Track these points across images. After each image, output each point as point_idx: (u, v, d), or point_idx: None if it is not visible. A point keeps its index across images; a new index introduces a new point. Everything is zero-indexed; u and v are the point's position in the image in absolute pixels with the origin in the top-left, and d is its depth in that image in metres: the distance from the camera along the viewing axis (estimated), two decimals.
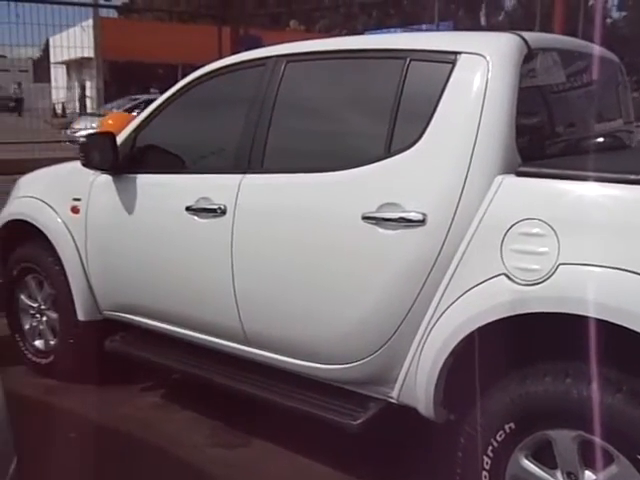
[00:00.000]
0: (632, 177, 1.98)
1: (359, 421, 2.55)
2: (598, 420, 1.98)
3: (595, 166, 2.13)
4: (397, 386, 2.50)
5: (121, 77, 23.74)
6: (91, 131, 17.00)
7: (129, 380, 3.78)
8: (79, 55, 18.75)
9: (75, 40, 14.15)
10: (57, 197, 3.68)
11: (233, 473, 2.95)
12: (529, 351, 2.14)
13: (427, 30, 27.28)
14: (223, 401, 3.34)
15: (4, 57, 23.18)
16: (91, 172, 3.47)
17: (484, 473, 2.23)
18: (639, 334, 1.88)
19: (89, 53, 19.37)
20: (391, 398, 2.55)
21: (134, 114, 4.32)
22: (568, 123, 2.64)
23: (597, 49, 2.87)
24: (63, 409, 3.52)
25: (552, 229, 2.05)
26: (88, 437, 3.23)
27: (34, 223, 3.77)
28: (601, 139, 2.64)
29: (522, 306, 2.09)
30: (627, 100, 3.06)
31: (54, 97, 23.19)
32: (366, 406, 2.60)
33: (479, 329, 2.19)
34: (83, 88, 21.05)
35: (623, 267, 1.93)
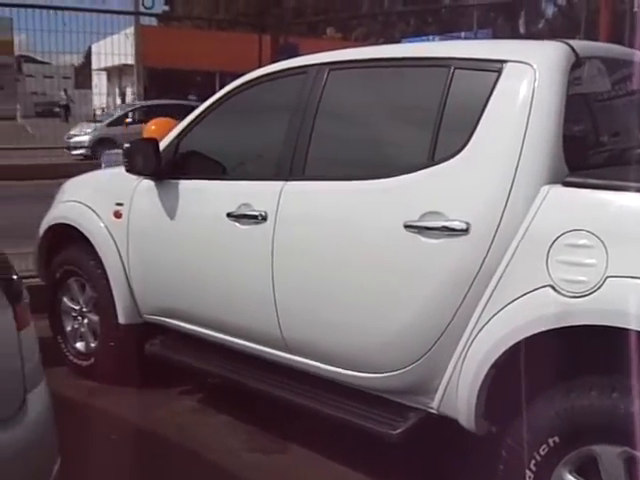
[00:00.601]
0: None
1: (398, 431, 2.54)
2: None
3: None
4: (437, 396, 2.47)
5: (160, 84, 24.08)
6: (85, 137, 17.07)
7: (167, 383, 3.81)
8: (120, 62, 19.11)
9: (118, 47, 14.42)
10: (100, 202, 3.74)
11: (268, 479, 2.95)
12: (574, 364, 2.11)
13: (466, 38, 27.20)
14: (260, 406, 3.35)
15: (49, 64, 23.73)
16: (134, 177, 3.52)
17: None
18: None
19: (129, 60, 19.72)
20: (431, 408, 2.53)
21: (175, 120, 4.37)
22: (615, 132, 2.59)
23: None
24: (102, 411, 3.56)
25: (600, 240, 2.01)
26: (126, 439, 3.27)
27: (77, 227, 3.83)
28: None
29: (568, 318, 2.05)
30: None
31: (95, 103, 23.66)
32: (406, 416, 2.58)
33: (523, 340, 2.16)
34: (123, 94, 21.43)
35: None
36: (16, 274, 2.18)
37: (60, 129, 17.39)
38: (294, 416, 3.13)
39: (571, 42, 2.38)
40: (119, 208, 3.62)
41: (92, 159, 14.55)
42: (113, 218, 3.65)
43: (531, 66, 2.29)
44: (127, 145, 3.42)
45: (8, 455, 1.92)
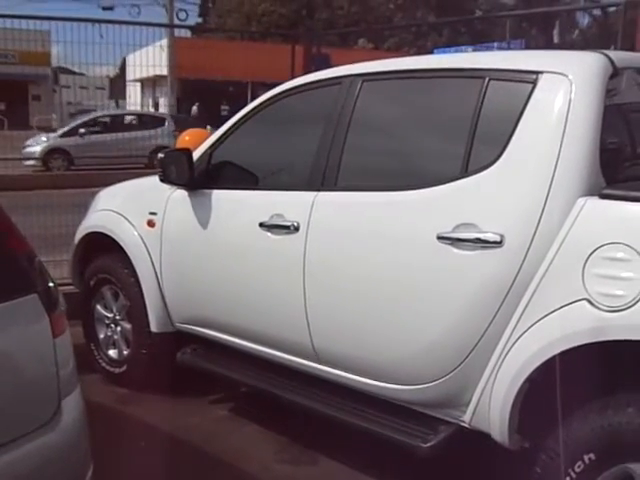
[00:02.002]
0: None
1: (430, 444, 2.51)
2: None
3: None
4: (469, 410, 2.45)
5: (193, 94, 24.34)
6: (37, 148, 16.74)
7: (198, 392, 3.83)
8: (153, 73, 19.36)
9: (152, 59, 14.62)
10: (134, 211, 3.79)
11: None
12: (611, 380, 2.07)
13: (499, 48, 27.04)
14: (291, 417, 3.35)
15: (84, 75, 24.13)
16: (167, 187, 3.56)
17: None
18: None
19: (162, 71, 19.96)
20: (463, 422, 2.50)
21: (209, 130, 4.44)
22: None
23: None
24: (134, 418, 3.59)
25: (638, 254, 1.98)
26: (156, 447, 3.29)
27: (111, 235, 3.88)
28: None
29: (605, 333, 2.02)
30: None
31: None
32: (437, 429, 2.55)
33: (558, 355, 2.13)
34: (156, 105, 21.70)
35: None
36: (53, 282, 2.21)
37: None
38: (325, 428, 3.11)
39: (608, 52, 2.35)
40: (152, 217, 3.65)
41: (44, 170, 14.29)
42: (147, 227, 3.69)
43: (567, 77, 2.27)
44: (161, 155, 3.46)
45: (44, 459, 1.96)
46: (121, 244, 3.82)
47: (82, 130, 16.55)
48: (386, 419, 2.68)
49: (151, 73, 19.06)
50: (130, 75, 22.58)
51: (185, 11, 23.66)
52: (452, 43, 33.85)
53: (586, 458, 2.09)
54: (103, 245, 3.97)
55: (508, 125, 2.35)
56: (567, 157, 2.20)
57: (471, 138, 2.45)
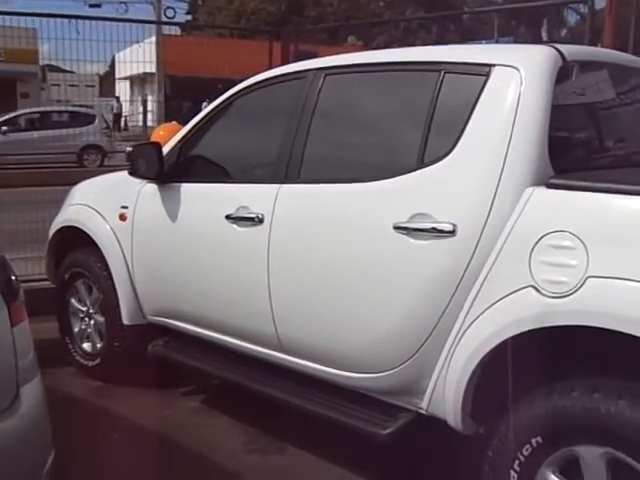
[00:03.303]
0: None
1: (388, 431, 2.56)
2: (627, 437, 1.94)
3: (626, 179, 2.11)
4: (426, 397, 2.49)
5: (181, 92, 24.33)
6: None
7: (171, 384, 3.87)
8: (142, 71, 19.33)
9: (141, 55, 14.59)
10: (106, 205, 3.82)
11: (265, 479, 2.98)
12: (557, 365, 2.12)
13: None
14: (260, 407, 3.38)
15: (73, 73, 24.03)
16: (138, 181, 3.59)
17: None
18: None
19: (151, 68, 19.93)
20: (421, 409, 2.55)
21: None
22: (602, 136, 2.60)
23: (636, 61, 2.84)
24: (106, 410, 3.63)
25: (581, 242, 2.03)
26: (128, 438, 3.32)
27: (84, 230, 3.91)
28: (636, 152, 2.60)
29: (549, 319, 2.07)
30: None
31: (114, 111, 23.90)
32: (396, 416, 2.60)
33: (507, 341, 2.18)
34: (145, 102, 21.66)
35: None
36: (14, 274, 2.25)
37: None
38: (293, 417, 3.15)
39: (559, 46, 2.40)
40: (124, 211, 3.69)
41: None
42: (118, 221, 3.72)
43: (518, 70, 2.32)
44: (131, 149, 3.49)
45: (3, 444, 1.99)
46: (94, 238, 3.85)
47: (4, 128, 16.31)
48: (347, 407, 2.72)
49: (140, 70, 19.05)
50: (120, 72, 22.57)
51: (173, 8, 23.65)
52: (441, 40, 33.95)
53: (534, 441, 2.13)
54: (77, 239, 4.00)
55: (462, 117, 2.40)
56: (516, 148, 2.25)
57: (427, 130, 2.49)
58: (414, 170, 2.49)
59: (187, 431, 3.41)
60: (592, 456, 2.03)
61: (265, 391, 3.06)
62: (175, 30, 31.65)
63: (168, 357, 3.60)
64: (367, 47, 34.99)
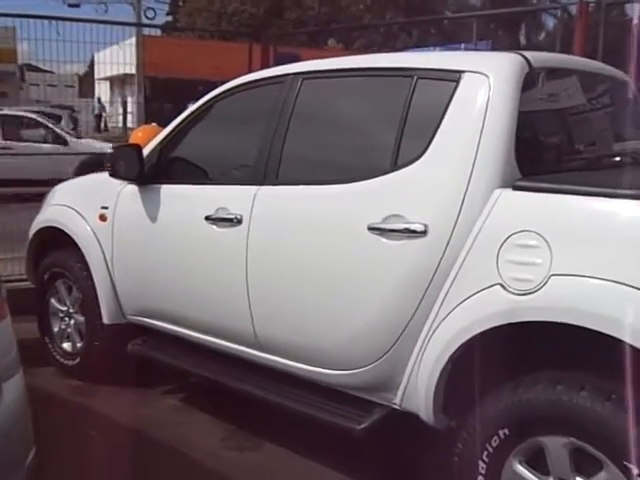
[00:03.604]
0: (621, 192, 2.04)
1: (363, 426, 2.63)
2: (588, 427, 2.04)
3: (588, 181, 2.21)
4: (400, 392, 2.57)
5: (162, 93, 24.26)
6: None
7: (150, 383, 3.92)
8: (122, 72, 19.26)
9: (121, 57, 14.55)
10: (87, 205, 3.86)
11: (243, 475, 3.04)
12: (524, 359, 2.21)
13: (466, 49, 27.42)
14: (238, 405, 3.45)
15: (52, 72, 23.85)
16: (119, 182, 3.64)
17: (480, 478, 2.29)
18: (625, 343, 1.94)
19: (131, 70, 19.87)
20: (395, 404, 2.62)
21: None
22: (567, 139, 2.70)
23: (607, 69, 2.95)
24: (86, 408, 3.67)
25: (545, 241, 2.12)
26: (107, 435, 3.37)
27: (65, 230, 3.95)
28: (601, 156, 2.71)
29: (515, 315, 2.16)
30: (636, 119, 3.10)
31: (96, 112, 23.75)
32: (370, 411, 2.67)
33: (477, 337, 2.26)
34: (125, 103, 21.55)
35: (611, 278, 1.99)
36: None
37: None
38: (270, 414, 3.22)
39: (527, 53, 2.49)
40: (104, 212, 3.73)
41: None
42: (99, 221, 3.77)
43: (486, 76, 2.41)
44: (111, 150, 3.54)
45: None
46: (74, 238, 3.89)
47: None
48: (323, 403, 2.79)
49: (120, 71, 18.96)
50: (100, 73, 22.43)
51: (153, 9, 23.58)
52: (421, 44, 34.18)
53: (501, 433, 2.22)
54: (57, 240, 4.03)
55: (433, 121, 2.49)
56: (485, 151, 2.34)
57: (400, 134, 2.57)
58: (388, 172, 2.57)
59: (166, 429, 3.45)
60: (556, 446, 2.12)
61: (243, 388, 3.12)
62: (155, 31, 31.53)
63: (147, 356, 3.65)
64: (347, 50, 35.15)
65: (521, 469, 2.22)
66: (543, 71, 2.49)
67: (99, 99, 25.06)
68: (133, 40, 18.23)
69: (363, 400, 2.72)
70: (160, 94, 24.03)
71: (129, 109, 21.91)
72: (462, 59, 2.65)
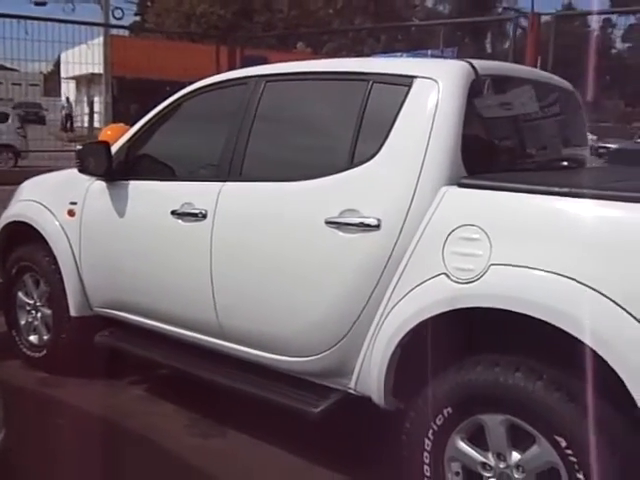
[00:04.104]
0: (556, 190, 2.24)
1: (319, 409, 2.79)
2: (522, 405, 2.23)
3: (527, 180, 2.41)
4: (354, 377, 2.74)
5: (129, 93, 24.17)
6: None
7: (117, 374, 4.02)
8: (89, 71, 19.19)
9: (86, 57, 14.51)
10: (55, 201, 3.96)
11: (207, 461, 3.16)
12: (467, 343, 2.39)
13: (432, 55, 27.86)
14: (202, 394, 3.59)
15: (16, 70, 23.57)
16: (87, 178, 3.75)
17: (425, 454, 2.46)
18: (554, 326, 2.13)
19: (98, 69, 19.80)
20: (350, 388, 2.79)
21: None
22: (513, 142, 2.90)
23: (553, 79, 3.17)
24: (53, 399, 3.75)
25: (486, 234, 2.31)
26: (75, 425, 3.47)
27: (33, 225, 4.04)
28: (542, 158, 2.92)
29: (457, 302, 2.34)
30: (580, 126, 3.33)
31: (64, 111, 23.57)
32: (327, 396, 2.83)
33: (424, 323, 2.44)
34: (91, 103, 21.44)
35: (544, 268, 2.19)
36: None
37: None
38: (233, 402, 3.36)
39: (474, 61, 2.69)
40: (73, 207, 3.84)
41: None
42: (67, 217, 3.87)
43: (436, 81, 2.59)
44: (80, 147, 3.65)
45: None
46: (42, 233, 3.99)
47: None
48: (283, 389, 2.95)
49: (87, 71, 18.84)
50: (65, 72, 22.23)
51: (121, 9, 23.48)
52: (389, 49, 34.62)
53: (445, 412, 2.40)
54: (25, 234, 4.12)
55: (387, 123, 2.66)
56: (433, 151, 2.52)
57: (356, 134, 2.74)
58: (344, 170, 2.74)
59: (133, 418, 3.56)
60: (494, 423, 2.31)
61: (207, 377, 3.26)
62: (124, 31, 31.43)
63: (114, 346, 3.76)
64: (316, 54, 35.38)
65: (463, 445, 2.40)
66: (489, 78, 2.68)
67: (67, 99, 24.73)
68: (101, 40, 18.19)
69: (320, 386, 2.88)
70: (127, 94, 23.95)
71: (96, 109, 21.79)
72: (414, 65, 2.83)
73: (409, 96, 2.64)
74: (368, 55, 32.93)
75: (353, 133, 2.75)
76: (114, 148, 3.67)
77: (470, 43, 38.65)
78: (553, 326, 2.14)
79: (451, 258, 2.38)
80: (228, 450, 3.29)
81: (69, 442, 3.25)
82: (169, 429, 3.46)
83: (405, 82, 2.67)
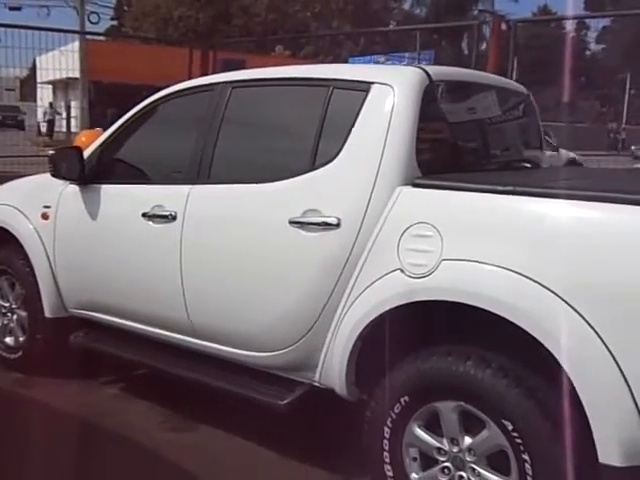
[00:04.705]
0: (499, 188, 2.39)
1: (285, 402, 2.91)
2: (473, 392, 2.36)
3: (477, 180, 2.55)
4: (318, 370, 2.86)
5: (106, 97, 24.14)
6: None
7: (91, 374, 4.10)
8: (65, 76, 19.15)
9: (61, 62, 14.49)
10: (29, 205, 4.04)
11: (180, 453, 3.26)
12: (422, 335, 2.52)
13: (409, 58, 28.17)
14: (176, 391, 3.70)
15: None
16: (61, 182, 3.84)
17: (385, 441, 2.59)
18: (502, 318, 2.27)
19: (74, 74, 19.76)
20: (314, 381, 2.91)
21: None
22: (466, 144, 3.05)
23: (507, 83, 3.32)
24: (28, 399, 3.83)
25: (437, 231, 2.44)
26: (49, 423, 3.55)
27: (8, 228, 4.12)
28: (495, 159, 3.07)
29: (411, 296, 2.48)
30: (534, 128, 3.49)
31: (39, 116, 23.47)
32: (293, 389, 2.95)
33: (382, 316, 2.57)
34: (68, 108, 21.37)
35: (492, 262, 2.32)
36: None
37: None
38: (204, 399, 3.48)
39: (428, 67, 2.83)
40: (46, 211, 3.93)
41: None
42: (41, 220, 3.96)
43: (391, 87, 2.73)
44: (52, 152, 3.75)
45: None
46: (17, 236, 4.07)
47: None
48: (251, 383, 3.06)
49: (63, 75, 18.80)
50: (42, 77, 22.13)
51: (97, 14, 23.47)
52: (367, 52, 34.87)
53: (402, 400, 2.53)
54: (0, 238, 4.20)
55: (346, 127, 2.79)
56: (389, 153, 2.66)
57: (318, 137, 2.87)
58: (307, 172, 2.86)
59: (107, 416, 3.65)
60: (447, 409, 2.44)
61: (178, 373, 3.37)
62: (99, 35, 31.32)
63: (89, 347, 3.85)
64: (294, 57, 35.50)
65: (419, 432, 2.53)
66: (443, 83, 2.82)
67: (51, 104, 24.57)
68: (76, 45, 18.16)
69: (287, 379, 3.00)
70: (104, 99, 23.94)
71: (73, 113, 21.73)
72: (371, 72, 2.96)
73: (366, 101, 2.77)
74: (346, 58, 33.17)
75: (315, 137, 2.87)
76: (87, 152, 3.76)
77: (447, 46, 39.02)
78: (500, 317, 2.28)
79: (406, 254, 2.51)
80: (200, 443, 3.40)
81: (44, 441, 3.33)
82: (143, 425, 3.55)
83: (363, 88, 2.80)
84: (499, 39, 4.48)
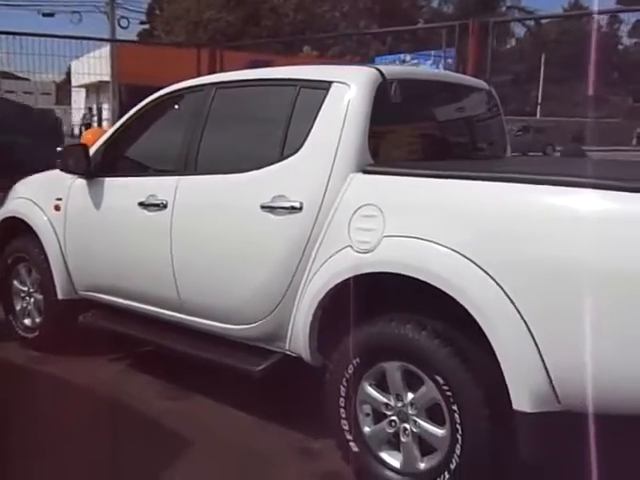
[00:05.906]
0: (438, 173, 2.70)
1: (260, 368, 3.27)
2: (412, 353, 2.68)
3: (419, 166, 2.87)
4: (287, 339, 3.20)
5: (137, 100, 24.81)
6: None
7: (100, 352, 4.50)
8: (97, 79, 19.82)
9: (95, 66, 15.06)
10: (44, 198, 4.47)
11: (176, 419, 3.62)
12: (372, 304, 2.84)
13: (435, 56, 28.30)
14: (172, 366, 4.08)
15: (27, 80, 24.23)
16: (70, 177, 4.25)
17: (341, 400, 2.92)
18: (432, 286, 2.58)
19: (106, 77, 20.43)
20: (285, 350, 3.25)
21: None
22: (415, 135, 3.36)
23: (462, 78, 3.62)
24: (44, 374, 4.24)
25: (381, 211, 2.77)
26: (62, 395, 3.95)
27: (25, 220, 4.55)
28: (447, 149, 3.37)
29: (359, 269, 2.80)
30: (495, 120, 3.77)
31: (74, 119, 24.25)
32: (267, 357, 3.31)
33: (336, 287, 2.90)
34: (100, 110, 22.08)
35: (427, 238, 2.63)
36: None
37: None
38: (199, 371, 3.86)
39: (382, 67, 3.16)
40: (58, 202, 4.34)
41: None
42: (54, 211, 4.37)
43: (348, 85, 3.06)
44: (61, 149, 4.16)
45: None
46: (32, 226, 4.49)
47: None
48: (231, 353, 3.43)
49: (95, 79, 19.46)
50: (75, 81, 22.88)
51: (127, 19, 24.13)
52: (394, 50, 35.03)
53: (354, 362, 2.85)
54: (19, 228, 4.63)
55: (310, 121, 3.13)
56: (344, 144, 2.98)
57: (286, 131, 3.22)
58: (276, 162, 3.21)
59: (113, 387, 4.04)
60: (392, 369, 2.77)
61: (170, 346, 3.75)
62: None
63: (96, 325, 4.26)
64: (322, 57, 35.83)
65: (370, 390, 2.86)
66: (396, 81, 3.13)
67: (90, 109, 25.24)
68: (104, 51, 18.75)
69: (261, 349, 3.35)
70: (136, 100, 24.62)
71: (105, 115, 22.42)
72: (332, 72, 3.29)
73: (327, 98, 3.11)
74: (372, 57, 33.35)
75: (283, 131, 3.22)
76: (92, 149, 4.16)
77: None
78: (435, 287, 2.59)
79: (355, 233, 2.84)
80: (194, 411, 3.76)
81: (57, 409, 3.74)
82: (143, 395, 3.93)
83: (324, 86, 3.14)
84: (479, 38, 4.75)
